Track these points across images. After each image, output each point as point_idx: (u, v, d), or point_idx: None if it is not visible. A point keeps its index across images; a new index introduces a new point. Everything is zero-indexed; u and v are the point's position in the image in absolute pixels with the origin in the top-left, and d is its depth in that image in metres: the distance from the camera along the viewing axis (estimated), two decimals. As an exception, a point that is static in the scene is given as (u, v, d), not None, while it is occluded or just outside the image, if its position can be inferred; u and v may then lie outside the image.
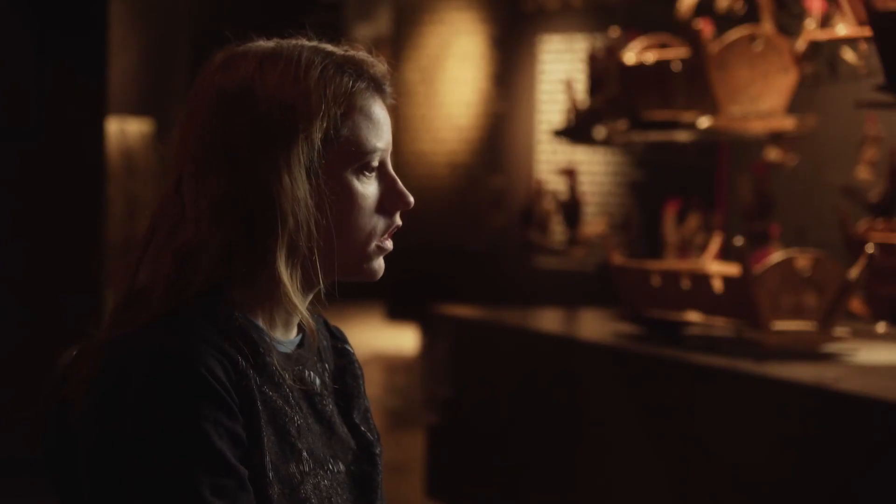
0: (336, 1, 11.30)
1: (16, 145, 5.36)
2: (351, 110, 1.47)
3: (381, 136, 1.49)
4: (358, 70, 1.49)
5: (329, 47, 1.50)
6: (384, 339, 10.10)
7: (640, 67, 4.73)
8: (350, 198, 1.47)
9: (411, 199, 1.52)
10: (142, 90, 8.52)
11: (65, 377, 1.49)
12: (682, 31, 4.64)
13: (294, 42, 1.50)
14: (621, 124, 4.94)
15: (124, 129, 7.89)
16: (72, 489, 1.48)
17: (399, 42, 10.10)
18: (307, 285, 1.49)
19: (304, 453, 1.47)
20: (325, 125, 1.45)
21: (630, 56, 4.82)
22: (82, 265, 5.41)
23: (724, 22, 4.92)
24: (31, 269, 5.38)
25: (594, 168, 8.20)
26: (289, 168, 1.43)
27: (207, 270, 1.44)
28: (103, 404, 1.39)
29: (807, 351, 4.02)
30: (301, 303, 1.48)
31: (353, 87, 1.47)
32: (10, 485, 5.05)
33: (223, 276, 1.44)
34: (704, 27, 4.50)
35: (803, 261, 3.99)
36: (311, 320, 1.49)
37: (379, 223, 1.50)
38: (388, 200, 1.51)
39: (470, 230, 9.27)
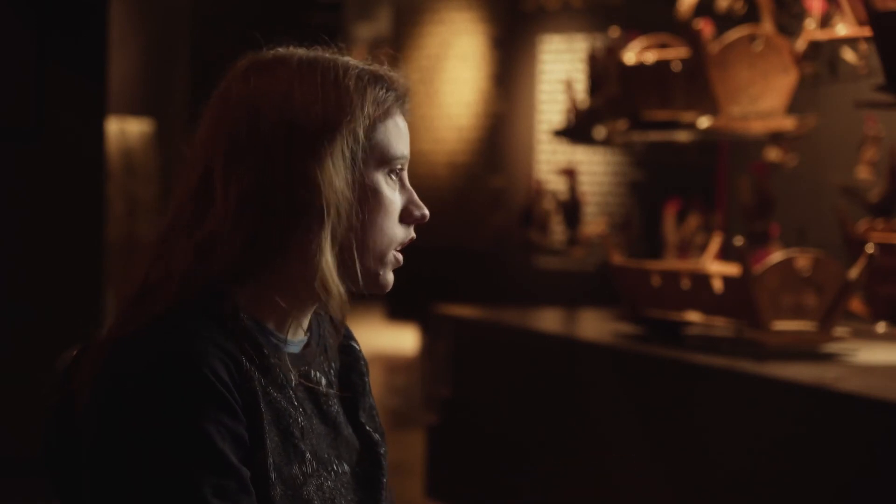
0: (336, 1, 11.29)
1: (16, 145, 5.36)
2: (384, 116, 1.51)
3: (405, 146, 1.54)
4: (388, 83, 1.53)
5: (357, 61, 1.54)
6: (384, 339, 10.10)
7: (640, 67, 4.73)
8: (381, 200, 1.50)
9: (427, 212, 1.55)
10: (142, 90, 8.52)
11: (67, 376, 1.49)
12: (682, 31, 4.64)
13: (325, 54, 1.53)
14: (621, 124, 4.94)
15: (124, 129, 7.90)
16: (72, 489, 1.48)
17: (399, 42, 10.10)
18: (344, 275, 1.49)
19: (308, 454, 1.47)
20: (366, 123, 1.49)
21: (630, 56, 4.82)
22: (82, 265, 5.41)
23: (724, 22, 4.92)
24: (32, 269, 5.38)
25: (594, 168, 8.20)
26: (333, 161, 1.46)
27: (224, 262, 1.44)
28: (106, 403, 1.39)
29: (807, 351, 4.03)
30: (335, 279, 1.47)
31: (385, 96, 1.51)
32: (10, 485, 5.05)
33: (238, 269, 1.45)
34: (704, 27, 4.50)
35: (803, 261, 3.99)
36: (342, 291, 1.48)
37: (399, 232, 1.53)
38: (408, 211, 1.54)
39: (470, 230, 9.27)
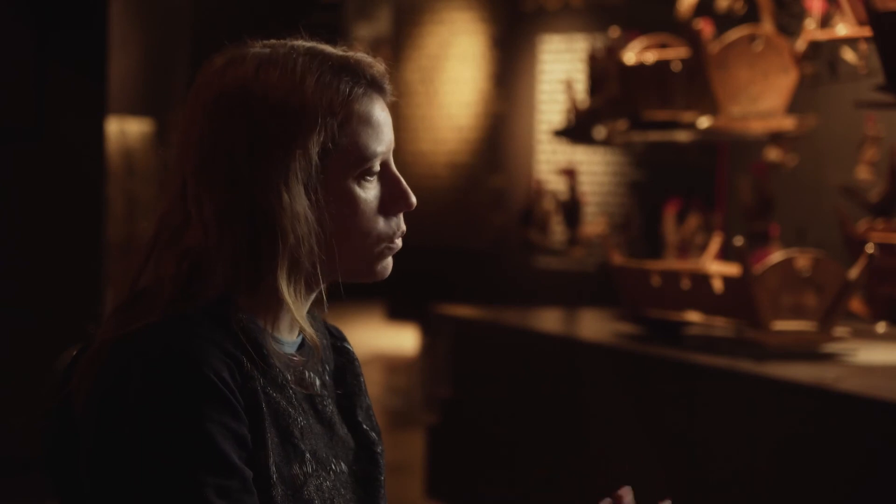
0: (336, 1, 11.29)
1: (16, 145, 5.36)
2: (349, 117, 1.45)
3: (381, 140, 1.48)
4: (355, 74, 1.47)
5: (326, 49, 1.48)
6: (384, 339, 10.10)
7: (640, 67, 4.73)
8: (352, 204, 1.46)
9: (413, 199, 1.50)
10: (142, 90, 8.52)
11: (67, 376, 1.49)
12: (682, 31, 4.64)
13: (290, 45, 1.47)
14: (621, 124, 4.94)
15: (124, 129, 7.89)
16: (72, 489, 1.48)
17: (399, 42, 10.09)
18: (309, 292, 1.49)
19: (308, 454, 1.46)
20: (321, 139, 1.43)
21: (630, 56, 4.82)
22: (82, 265, 5.41)
23: (724, 22, 4.92)
24: (32, 269, 5.38)
25: (594, 168, 8.20)
26: (287, 185, 1.42)
27: (218, 274, 1.43)
28: (107, 403, 1.39)
29: (807, 351, 4.03)
30: (302, 313, 1.47)
31: (350, 94, 1.45)
32: (10, 485, 5.04)
33: (232, 280, 1.44)
34: (704, 27, 4.50)
35: (803, 261, 3.99)
36: (312, 331, 1.49)
37: (385, 227, 1.49)
38: (391, 201, 1.49)
39: (470, 230, 9.27)
